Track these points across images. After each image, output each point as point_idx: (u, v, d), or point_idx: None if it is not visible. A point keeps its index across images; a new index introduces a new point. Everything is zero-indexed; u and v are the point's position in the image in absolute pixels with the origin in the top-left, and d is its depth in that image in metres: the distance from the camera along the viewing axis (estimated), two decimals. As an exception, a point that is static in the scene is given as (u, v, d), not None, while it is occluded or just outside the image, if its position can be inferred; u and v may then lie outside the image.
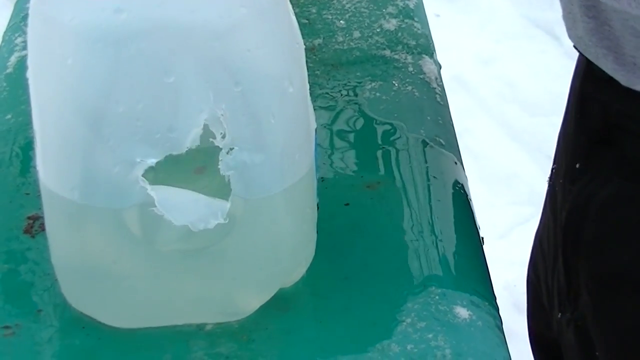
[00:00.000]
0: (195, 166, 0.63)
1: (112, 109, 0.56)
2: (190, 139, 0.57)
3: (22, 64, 0.90)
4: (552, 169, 0.94)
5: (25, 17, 0.97)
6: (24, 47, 0.92)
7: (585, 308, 0.83)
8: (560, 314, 0.87)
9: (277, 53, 0.58)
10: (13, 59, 0.91)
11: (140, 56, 0.55)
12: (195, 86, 0.56)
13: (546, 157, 2.24)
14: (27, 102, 0.84)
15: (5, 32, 0.96)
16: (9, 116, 0.84)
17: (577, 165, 0.83)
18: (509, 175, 2.22)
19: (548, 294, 0.93)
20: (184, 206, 0.58)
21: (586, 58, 0.79)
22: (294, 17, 0.60)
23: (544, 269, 0.95)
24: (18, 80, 0.88)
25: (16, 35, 0.95)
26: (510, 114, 2.39)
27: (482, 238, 0.76)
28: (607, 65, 0.75)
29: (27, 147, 0.80)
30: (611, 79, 0.76)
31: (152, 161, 0.57)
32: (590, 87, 0.81)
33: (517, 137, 2.32)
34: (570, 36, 0.80)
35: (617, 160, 0.79)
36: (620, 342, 0.81)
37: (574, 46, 0.80)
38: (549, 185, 0.95)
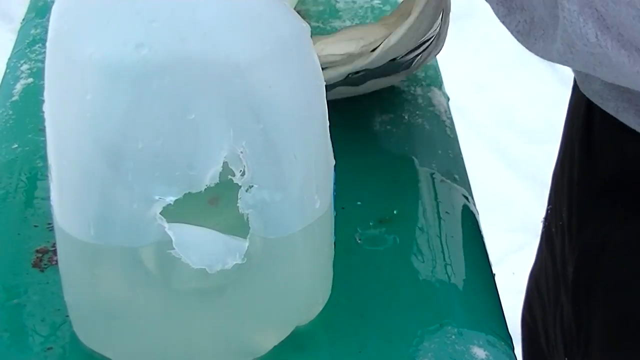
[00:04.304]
0: (208, 196, 0.61)
1: (132, 145, 0.55)
2: (209, 177, 0.56)
3: (28, 92, 0.89)
4: (548, 210, 0.92)
5: (30, 44, 0.96)
6: (30, 75, 0.91)
7: (597, 354, 0.81)
8: (566, 358, 0.85)
9: (299, 90, 0.58)
10: (19, 86, 0.90)
11: (161, 92, 0.54)
12: (215, 123, 0.55)
13: (541, 184, 2.23)
14: (33, 131, 0.84)
15: (9, 59, 0.95)
16: (15, 145, 0.82)
17: (586, 209, 0.81)
18: (503, 203, 2.22)
19: (547, 337, 0.92)
20: (201, 247, 0.57)
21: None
22: (315, 54, 0.59)
23: (542, 311, 0.93)
24: (24, 108, 0.87)
25: (21, 62, 0.93)
26: (505, 140, 2.39)
27: (494, 275, 0.75)
28: (629, 120, 0.72)
29: (34, 178, 0.78)
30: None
31: (170, 199, 0.56)
32: (606, 133, 0.79)
33: (511, 164, 2.32)
34: (584, 90, 0.77)
35: (633, 201, 0.77)
36: None
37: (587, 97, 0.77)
38: (544, 227, 0.93)
